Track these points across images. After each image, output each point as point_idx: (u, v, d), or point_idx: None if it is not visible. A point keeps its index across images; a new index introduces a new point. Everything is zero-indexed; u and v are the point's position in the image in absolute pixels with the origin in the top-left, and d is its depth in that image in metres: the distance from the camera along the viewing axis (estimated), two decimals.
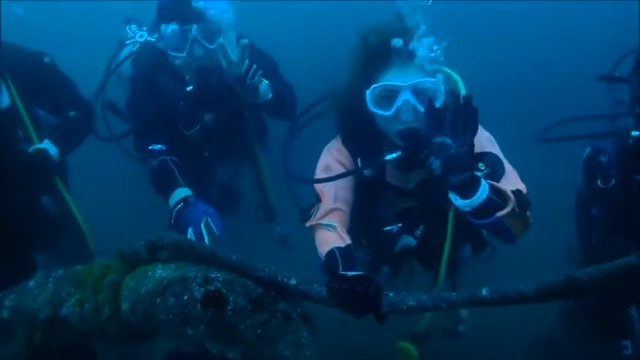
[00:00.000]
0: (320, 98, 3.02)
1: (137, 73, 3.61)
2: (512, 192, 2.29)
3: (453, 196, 2.25)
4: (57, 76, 3.30)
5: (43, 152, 3.02)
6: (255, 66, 3.10)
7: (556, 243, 3.54)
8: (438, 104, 2.37)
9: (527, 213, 2.37)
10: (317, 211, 2.72)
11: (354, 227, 2.81)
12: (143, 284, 1.84)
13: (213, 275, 1.82)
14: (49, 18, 6.01)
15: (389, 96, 2.48)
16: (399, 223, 2.88)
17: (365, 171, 2.68)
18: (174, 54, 3.25)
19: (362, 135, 2.71)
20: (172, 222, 2.95)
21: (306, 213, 2.75)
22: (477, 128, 2.09)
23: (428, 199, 2.70)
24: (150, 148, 3.33)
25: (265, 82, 3.23)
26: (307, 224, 2.75)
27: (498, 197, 2.25)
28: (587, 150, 2.91)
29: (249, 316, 1.79)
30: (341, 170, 2.73)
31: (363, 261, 3.20)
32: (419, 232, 2.90)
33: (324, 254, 2.55)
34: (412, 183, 2.78)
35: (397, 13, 2.57)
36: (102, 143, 3.63)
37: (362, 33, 2.57)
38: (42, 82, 3.15)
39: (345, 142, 2.78)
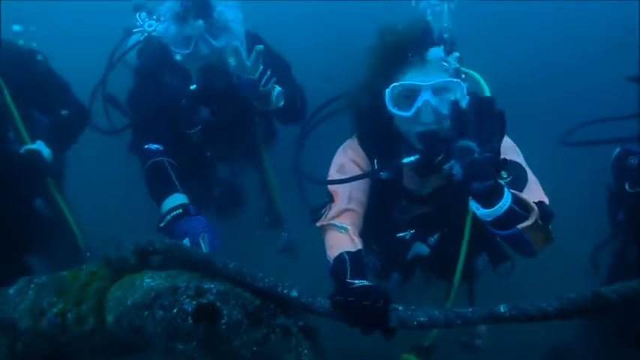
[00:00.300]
0: (334, 97, 2.91)
1: (141, 65, 3.47)
2: (535, 203, 2.16)
3: (474, 205, 2.11)
4: (50, 74, 3.22)
5: (36, 153, 2.93)
6: (269, 72, 2.94)
7: (577, 251, 3.42)
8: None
9: (550, 226, 2.25)
10: (329, 210, 2.60)
11: (365, 231, 2.68)
12: (129, 295, 1.68)
13: (206, 286, 1.65)
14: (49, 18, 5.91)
15: (409, 96, 2.36)
16: (412, 229, 2.77)
17: (381, 173, 2.56)
18: (177, 50, 3.12)
19: (379, 135, 2.59)
20: (163, 225, 2.77)
21: (317, 212, 2.61)
22: (503, 134, 1.95)
23: (444, 207, 2.56)
24: (146, 147, 3.14)
25: (278, 88, 3.07)
26: (318, 224, 2.62)
27: (521, 208, 2.11)
28: (617, 150, 2.77)
29: (245, 331, 1.63)
30: (356, 171, 2.62)
31: (372, 267, 3.09)
32: (432, 240, 2.78)
33: (332, 258, 2.42)
34: (429, 189, 2.67)
35: (418, 13, 2.51)
36: (100, 140, 3.50)
37: (381, 30, 2.47)
38: (34, 81, 3.08)
39: (361, 143, 2.68)
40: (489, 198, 2.05)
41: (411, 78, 2.36)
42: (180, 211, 2.77)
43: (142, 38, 3.60)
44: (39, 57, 3.15)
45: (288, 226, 4.10)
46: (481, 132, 1.91)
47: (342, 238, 2.49)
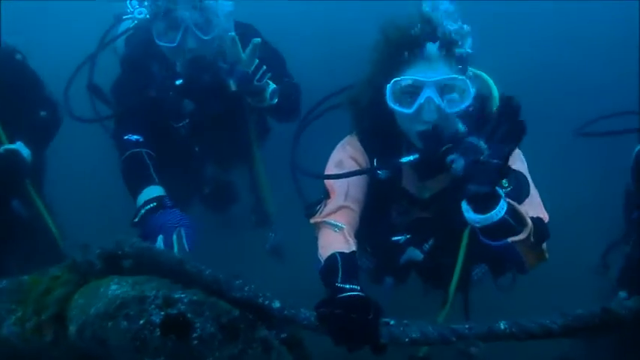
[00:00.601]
0: (333, 92, 2.79)
1: (128, 54, 3.28)
2: (532, 219, 2.05)
3: (465, 207, 1.99)
4: (28, 74, 3.12)
5: (15, 153, 2.82)
6: (264, 67, 2.80)
7: (583, 253, 3.30)
8: (465, 104, 2.17)
9: (544, 246, 2.14)
10: (324, 207, 2.45)
11: (360, 231, 2.54)
12: (93, 303, 1.53)
13: (176, 295, 1.50)
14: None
15: (411, 92, 2.22)
16: (408, 233, 2.64)
17: (380, 172, 2.44)
18: (162, 44, 2.95)
19: (380, 133, 2.45)
20: (137, 220, 2.61)
21: (312, 208, 2.47)
22: (518, 143, 1.85)
23: (443, 213, 2.43)
24: (125, 138, 2.97)
25: (272, 85, 2.93)
26: (312, 221, 2.47)
27: (515, 221, 1.99)
28: (637, 148, 2.66)
29: (219, 346, 1.48)
30: (355, 168, 2.49)
31: (366, 269, 2.97)
32: (427, 247, 2.65)
33: (324, 258, 2.27)
34: (429, 192, 2.53)
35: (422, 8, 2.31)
36: (84, 131, 3.35)
37: (384, 25, 2.32)
38: (13, 80, 2.98)
39: (361, 140, 2.54)
40: (483, 203, 1.94)
41: (413, 73, 2.22)
42: (155, 204, 2.61)
43: (131, 25, 3.41)
44: (18, 56, 3.06)
45: (276, 226, 3.92)
46: (496, 133, 1.81)
47: (336, 238, 2.35)
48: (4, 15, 3.96)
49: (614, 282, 3.04)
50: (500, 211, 1.93)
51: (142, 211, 2.60)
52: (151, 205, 2.61)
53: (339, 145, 2.64)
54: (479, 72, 2.41)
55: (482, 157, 1.81)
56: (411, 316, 1.90)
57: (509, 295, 2.81)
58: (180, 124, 3.24)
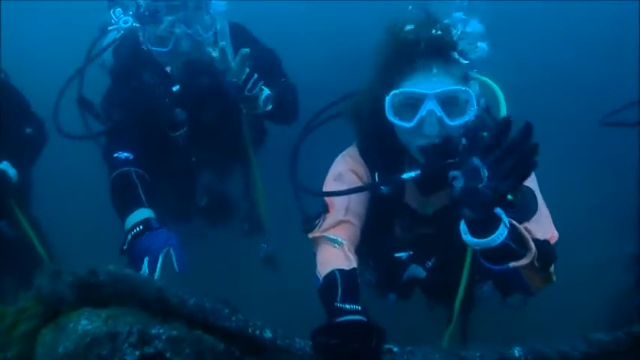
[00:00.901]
0: (336, 100, 2.72)
1: (117, 65, 3.17)
2: (538, 242, 1.92)
3: (463, 228, 1.85)
4: (12, 92, 3.02)
5: (1, 174, 2.72)
6: (255, 75, 2.69)
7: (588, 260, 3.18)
8: (469, 117, 2.07)
9: (551, 269, 2.00)
10: (323, 221, 2.33)
11: (362, 246, 2.42)
12: (62, 341, 1.36)
13: (154, 331, 1.33)
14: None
15: (411, 104, 2.10)
16: (410, 250, 2.52)
17: (382, 187, 2.33)
18: (155, 49, 2.85)
19: (381, 146, 2.34)
20: (126, 247, 2.47)
21: (310, 222, 2.35)
22: (526, 177, 1.69)
23: (447, 229, 2.29)
24: (115, 155, 2.86)
25: (266, 91, 2.82)
26: (310, 235, 2.35)
27: (518, 244, 1.86)
28: None
29: None
30: (355, 181, 2.39)
31: (368, 283, 2.85)
32: (430, 264, 2.54)
33: (322, 275, 2.14)
34: (432, 208, 2.42)
35: (426, 11, 2.23)
36: (73, 148, 3.21)
37: (387, 29, 2.22)
38: None
39: (362, 152, 2.44)
40: (481, 227, 1.80)
41: (413, 84, 2.10)
42: (141, 227, 2.48)
43: (118, 36, 3.27)
44: (1, 75, 2.99)
45: (270, 235, 3.78)
46: (500, 167, 1.66)
47: (336, 254, 2.22)
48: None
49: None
50: (499, 235, 1.79)
51: (129, 236, 2.47)
52: (137, 229, 2.48)
53: (339, 157, 2.52)
54: (484, 78, 2.28)
55: (480, 185, 1.68)
56: (416, 335, 1.77)
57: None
58: (178, 133, 3.12)
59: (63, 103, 3.00)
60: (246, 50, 2.61)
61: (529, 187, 2.18)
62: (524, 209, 2.08)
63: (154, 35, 2.82)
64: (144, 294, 1.48)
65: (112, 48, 3.25)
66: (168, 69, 2.98)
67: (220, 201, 3.75)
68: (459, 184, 1.72)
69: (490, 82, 2.29)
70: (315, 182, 2.48)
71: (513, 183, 1.66)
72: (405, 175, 2.12)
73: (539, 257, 1.88)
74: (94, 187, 3.27)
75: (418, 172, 2.09)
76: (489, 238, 1.78)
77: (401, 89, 2.11)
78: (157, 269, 2.28)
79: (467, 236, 1.84)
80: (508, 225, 1.81)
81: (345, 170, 2.43)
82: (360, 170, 2.41)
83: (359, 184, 2.37)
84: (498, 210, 1.79)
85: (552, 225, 2.20)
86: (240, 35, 3.03)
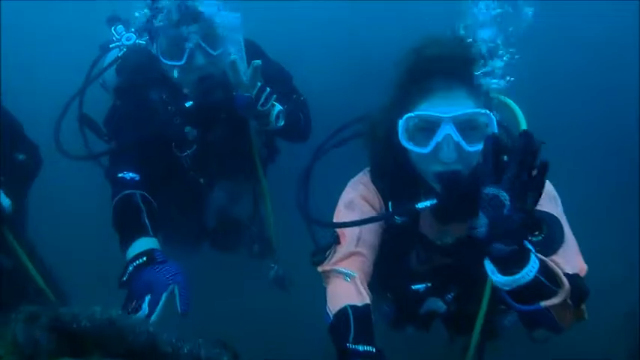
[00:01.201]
0: (348, 122, 2.58)
1: (122, 83, 3.00)
2: (568, 276, 1.81)
3: (489, 268, 1.74)
4: (4, 116, 2.82)
5: None
6: (268, 89, 2.58)
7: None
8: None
9: (583, 306, 1.90)
10: (334, 253, 2.20)
11: (377, 278, 2.32)
12: None
13: None
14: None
15: (427, 128, 1.97)
16: (428, 282, 2.39)
17: (396, 217, 2.21)
18: (169, 62, 2.69)
19: (395, 172, 2.21)
20: (125, 279, 2.29)
21: (319, 255, 2.21)
22: (541, 193, 1.61)
23: (468, 260, 2.15)
24: (120, 175, 2.70)
25: (278, 107, 2.70)
26: (320, 269, 2.22)
27: (549, 280, 1.74)
28: None
29: None
30: (366, 209, 2.27)
31: (385, 315, 2.72)
32: (450, 297, 2.42)
33: (333, 312, 2.03)
34: (451, 238, 2.28)
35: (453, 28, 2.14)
36: (76, 169, 3.05)
37: (409, 47, 2.09)
38: None
39: (374, 179, 2.32)
40: (510, 263, 1.69)
41: (429, 107, 1.97)
42: (145, 259, 2.29)
43: (120, 54, 3.15)
44: None
45: (280, 256, 3.64)
46: (516, 183, 1.56)
47: (347, 288, 2.09)
48: None
49: None
50: (531, 270, 1.68)
51: (130, 267, 2.29)
52: (140, 260, 2.30)
53: (350, 183, 2.40)
54: (504, 98, 2.15)
55: (505, 211, 1.57)
56: None
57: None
58: (185, 154, 2.98)
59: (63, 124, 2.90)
60: (258, 62, 2.50)
61: (553, 215, 2.06)
62: (550, 240, 1.98)
63: (167, 48, 2.68)
64: (132, 342, 1.30)
65: (115, 66, 3.12)
66: (179, 85, 2.83)
67: (230, 225, 3.62)
68: (482, 223, 1.62)
69: (511, 102, 2.16)
70: (327, 207, 2.38)
71: (535, 196, 1.59)
72: (420, 205, 2.01)
73: (571, 295, 1.77)
74: (96, 209, 3.08)
75: (434, 201, 1.98)
76: (520, 274, 1.67)
77: (416, 112, 1.99)
78: (157, 310, 2.08)
79: (495, 276, 1.72)
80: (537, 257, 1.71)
81: (357, 197, 2.31)
82: (372, 198, 2.30)
83: (371, 212, 2.26)
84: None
85: (580, 256, 2.08)
86: (251, 51, 2.89)
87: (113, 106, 2.98)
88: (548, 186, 2.19)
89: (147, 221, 2.51)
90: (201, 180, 3.19)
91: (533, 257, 1.70)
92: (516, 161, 1.55)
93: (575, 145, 4.65)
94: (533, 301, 1.74)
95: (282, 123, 2.73)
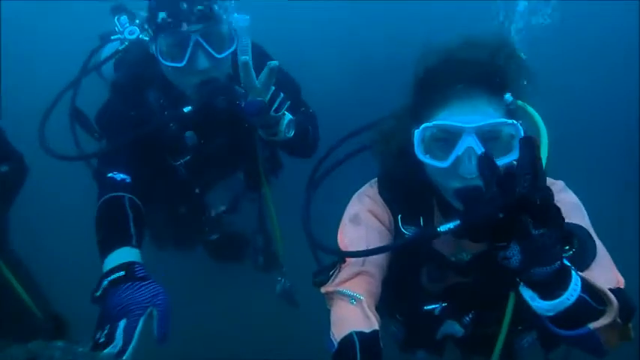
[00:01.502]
0: (353, 131, 2.40)
1: (119, 79, 2.80)
2: (614, 292, 1.60)
3: (527, 294, 1.56)
4: None
5: None
6: (282, 95, 2.35)
7: None
8: (514, 157, 1.71)
9: (630, 324, 1.68)
10: (339, 272, 1.98)
11: (384, 297, 2.08)
12: None
13: None
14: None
15: (446, 140, 1.77)
16: (443, 301, 2.16)
17: (406, 232, 2.03)
18: (168, 64, 2.48)
19: (406, 186, 2.02)
20: (99, 294, 2.03)
21: (322, 275, 1.98)
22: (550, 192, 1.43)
23: (485, 279, 1.97)
24: (109, 175, 2.48)
25: (289, 116, 2.48)
26: (323, 290, 1.99)
27: (594, 299, 1.56)
28: None
29: None
30: (374, 224, 2.07)
31: (394, 337, 2.51)
32: (468, 320, 2.18)
33: (338, 339, 1.80)
34: (467, 254, 2.06)
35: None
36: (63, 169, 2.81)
37: (422, 51, 1.90)
38: None
39: (382, 192, 2.12)
40: (552, 285, 1.51)
41: (448, 116, 1.76)
42: (123, 273, 2.05)
43: (121, 47, 2.94)
44: None
45: (287, 269, 3.46)
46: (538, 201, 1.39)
47: (353, 313, 1.87)
48: None
49: None
50: (575, 289, 1.50)
51: (105, 282, 2.04)
52: (117, 274, 2.05)
53: (355, 196, 2.18)
54: (523, 104, 1.94)
55: (533, 232, 1.40)
56: None
57: None
58: (179, 162, 2.80)
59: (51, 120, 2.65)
60: (275, 63, 2.28)
61: (582, 226, 1.87)
62: (582, 256, 1.77)
63: (168, 48, 2.48)
64: None
65: (114, 60, 2.93)
66: (181, 88, 2.64)
67: (233, 237, 3.42)
68: (514, 252, 1.44)
69: (531, 109, 1.96)
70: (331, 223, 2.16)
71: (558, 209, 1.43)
72: (443, 228, 1.76)
73: (620, 311, 1.57)
74: (84, 214, 2.88)
75: (457, 222, 1.73)
76: (565, 295, 1.49)
77: (434, 122, 1.78)
78: (134, 340, 1.83)
79: (537, 303, 1.54)
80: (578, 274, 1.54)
81: (363, 211, 2.10)
82: (379, 211, 2.10)
83: (379, 227, 2.07)
84: None
85: (615, 268, 1.87)
86: (259, 56, 2.65)
87: (108, 102, 2.78)
88: (572, 195, 2.01)
89: (132, 229, 2.28)
90: (197, 190, 3.00)
91: (574, 274, 1.53)
92: (526, 177, 1.39)
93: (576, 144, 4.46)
94: (581, 325, 1.56)
95: (291, 133, 2.51)
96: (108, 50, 3.04)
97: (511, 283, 1.73)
